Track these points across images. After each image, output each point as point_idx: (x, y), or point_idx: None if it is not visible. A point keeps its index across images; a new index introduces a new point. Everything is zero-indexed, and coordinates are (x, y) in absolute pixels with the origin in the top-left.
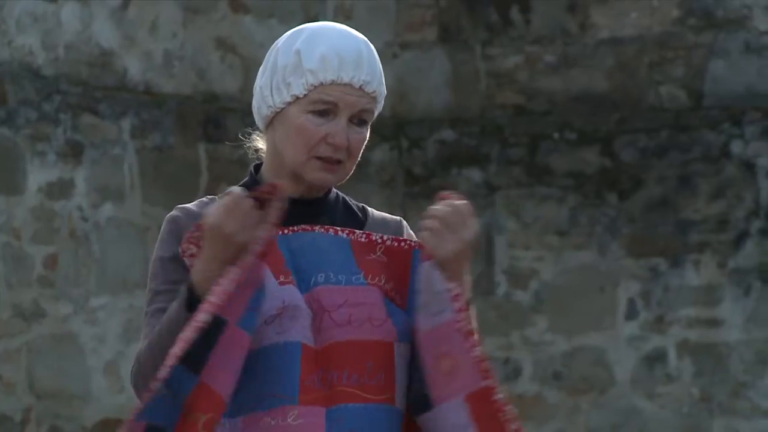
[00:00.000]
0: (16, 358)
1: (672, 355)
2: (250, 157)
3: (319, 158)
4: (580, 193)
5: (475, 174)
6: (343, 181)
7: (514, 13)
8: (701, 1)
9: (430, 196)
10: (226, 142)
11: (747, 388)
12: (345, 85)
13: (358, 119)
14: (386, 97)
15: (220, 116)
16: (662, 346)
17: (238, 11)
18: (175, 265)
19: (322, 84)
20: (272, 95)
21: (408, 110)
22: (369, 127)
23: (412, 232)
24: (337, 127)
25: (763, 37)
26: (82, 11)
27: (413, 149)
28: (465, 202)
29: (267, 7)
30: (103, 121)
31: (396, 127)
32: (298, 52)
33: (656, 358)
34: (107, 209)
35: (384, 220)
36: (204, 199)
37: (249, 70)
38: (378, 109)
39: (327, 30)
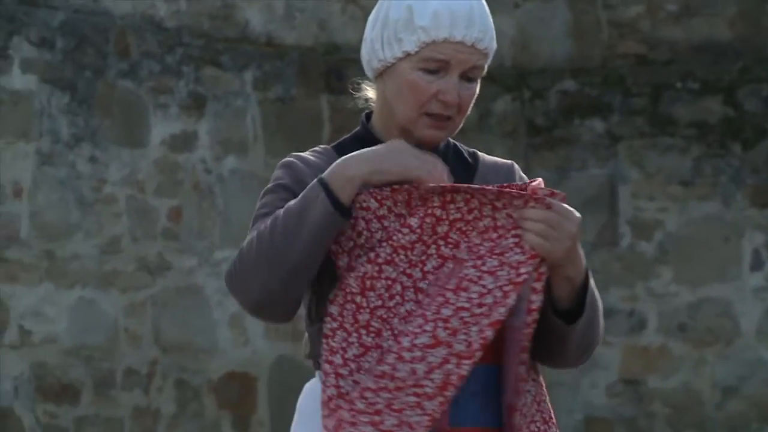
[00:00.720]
0: (141, 311)
1: None
2: (360, 106)
3: (430, 115)
4: (703, 143)
5: (597, 124)
6: (455, 133)
7: None
8: None
9: (553, 146)
10: (350, 93)
11: None
12: (457, 42)
13: (468, 75)
14: (507, 47)
15: (342, 67)
16: None
17: None
18: (289, 193)
19: (434, 41)
20: (383, 49)
21: (529, 60)
22: (479, 81)
23: (524, 175)
24: (449, 85)
25: None
26: None
27: (535, 99)
28: (559, 196)
29: None
30: (226, 73)
31: (518, 78)
32: (410, 8)
33: None
34: (230, 161)
35: (495, 165)
36: (318, 148)
37: None
38: (489, 60)
39: None
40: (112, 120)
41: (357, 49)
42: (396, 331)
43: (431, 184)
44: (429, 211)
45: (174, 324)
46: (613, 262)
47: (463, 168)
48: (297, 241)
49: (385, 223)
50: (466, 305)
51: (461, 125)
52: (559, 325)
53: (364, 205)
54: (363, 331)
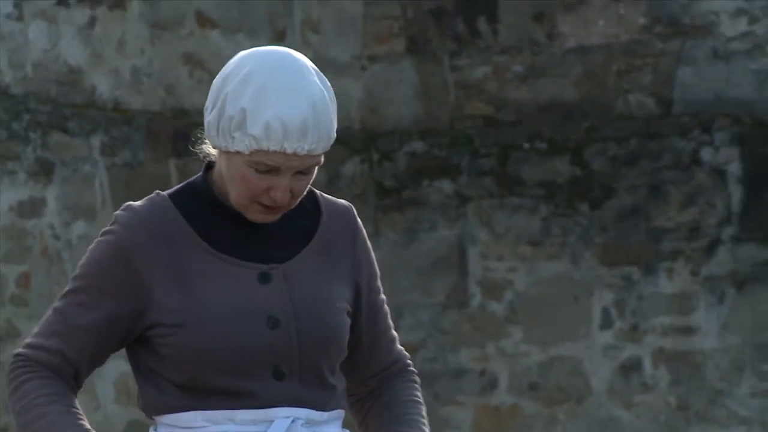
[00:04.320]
0: None
1: (648, 363)
2: (202, 158)
3: (261, 204)
4: (551, 202)
5: (446, 185)
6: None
7: (481, 24)
8: (668, 8)
9: (402, 208)
10: (198, 157)
11: (723, 395)
12: (288, 154)
13: (302, 171)
14: (355, 109)
15: (189, 131)
16: (638, 355)
17: (205, 26)
18: (109, 283)
19: (265, 151)
20: (218, 137)
21: (378, 123)
22: (316, 168)
23: (359, 220)
24: (279, 184)
25: (731, 44)
26: (49, 29)
27: (384, 161)
28: None
29: (234, 22)
30: (73, 139)
31: (366, 140)
32: (243, 111)
33: (632, 367)
34: (79, 227)
35: (336, 209)
36: (154, 197)
37: None
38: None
39: (275, 85)
40: None
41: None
42: None
43: None
44: None
45: None
46: (463, 323)
47: (307, 222)
48: None
49: None
50: None
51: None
52: None
53: None
54: None
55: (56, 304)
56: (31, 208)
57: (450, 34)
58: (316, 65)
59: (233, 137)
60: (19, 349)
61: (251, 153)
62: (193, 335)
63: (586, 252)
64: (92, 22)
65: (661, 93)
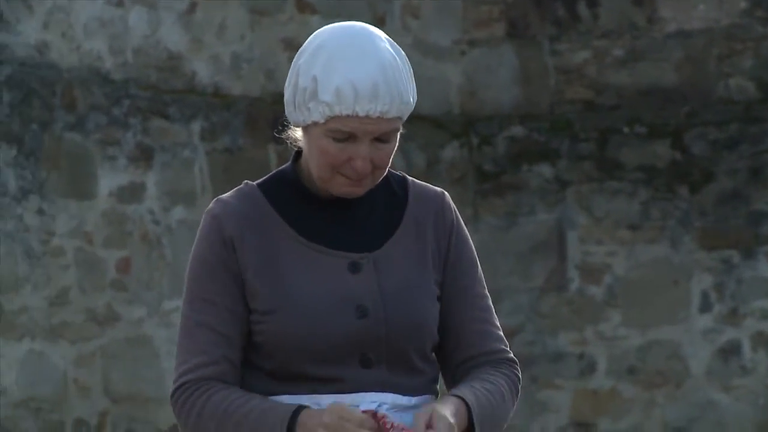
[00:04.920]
0: (90, 362)
1: (746, 347)
2: (290, 146)
3: (344, 175)
4: (651, 186)
5: (545, 170)
6: (377, 183)
7: (582, 8)
8: None
9: (502, 192)
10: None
11: None
12: (362, 117)
13: (380, 138)
14: (455, 94)
15: None
16: (737, 339)
17: (305, 11)
18: (220, 272)
19: (338, 116)
20: (295, 112)
21: (477, 107)
22: (398, 135)
23: (454, 206)
24: (359, 152)
25: None
26: (149, 15)
27: (483, 146)
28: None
29: (334, 7)
30: (173, 125)
31: (466, 125)
32: (315, 79)
33: (731, 350)
34: (178, 212)
35: (425, 198)
36: (244, 187)
37: None
38: (405, 117)
39: (344, 52)
40: (59, 173)
41: None
42: None
43: None
44: None
45: (124, 375)
46: (562, 306)
47: (392, 206)
48: None
49: None
50: None
51: (383, 175)
52: None
53: None
54: None
55: (185, 321)
56: (131, 193)
57: (550, 19)
58: (415, 50)
59: (308, 108)
60: (179, 381)
61: (326, 121)
62: (283, 323)
63: (686, 236)
64: (192, 7)
65: (761, 77)
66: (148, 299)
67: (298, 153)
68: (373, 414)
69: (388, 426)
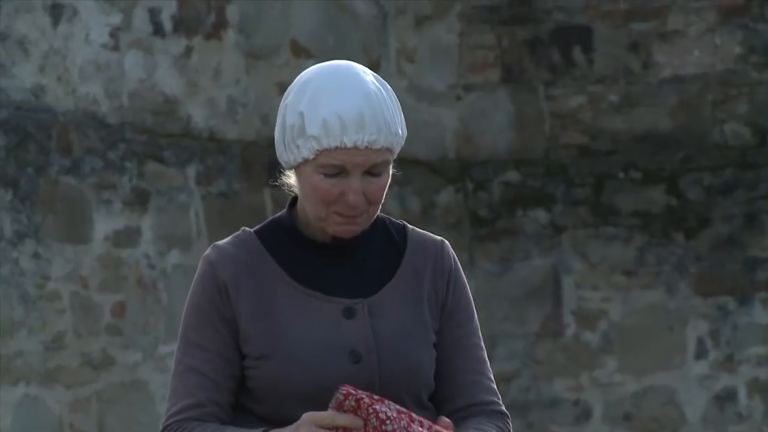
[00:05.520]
0: (86, 406)
1: (742, 394)
2: (286, 192)
3: (339, 213)
4: (646, 232)
5: (540, 215)
6: (371, 222)
7: (577, 53)
8: (763, 37)
9: (497, 238)
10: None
11: None
12: (350, 148)
13: (372, 172)
14: (450, 139)
15: None
16: (732, 385)
17: (300, 56)
18: (213, 317)
19: (326, 149)
20: (285, 152)
21: (473, 152)
22: (390, 168)
23: (454, 255)
24: (351, 186)
25: None
26: (145, 59)
27: (479, 191)
28: None
29: (329, 52)
30: (169, 169)
31: (461, 170)
32: (301, 115)
33: (727, 397)
34: (174, 256)
35: (424, 243)
36: (241, 234)
37: None
38: (396, 151)
39: (329, 86)
40: (55, 216)
41: None
42: None
43: None
44: None
45: (119, 419)
46: (557, 352)
47: (391, 252)
48: None
49: None
50: None
51: (378, 212)
52: None
53: None
54: None
55: (177, 365)
56: (127, 237)
57: (545, 64)
58: (410, 95)
59: (297, 145)
60: (165, 423)
61: (315, 156)
62: (276, 369)
63: (681, 282)
64: (188, 52)
65: (756, 122)
66: (144, 344)
67: (294, 199)
68: (357, 400)
69: (370, 411)
